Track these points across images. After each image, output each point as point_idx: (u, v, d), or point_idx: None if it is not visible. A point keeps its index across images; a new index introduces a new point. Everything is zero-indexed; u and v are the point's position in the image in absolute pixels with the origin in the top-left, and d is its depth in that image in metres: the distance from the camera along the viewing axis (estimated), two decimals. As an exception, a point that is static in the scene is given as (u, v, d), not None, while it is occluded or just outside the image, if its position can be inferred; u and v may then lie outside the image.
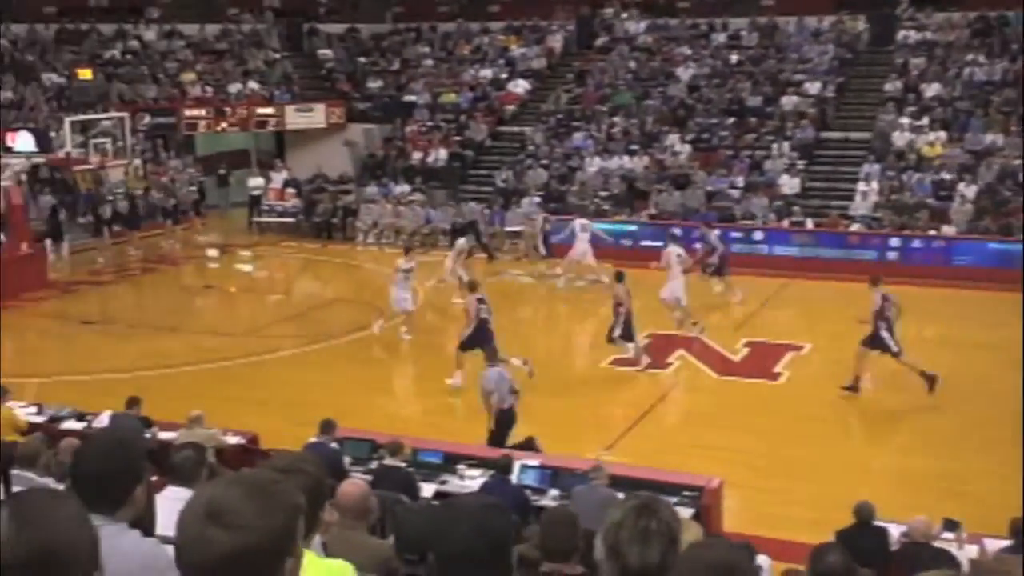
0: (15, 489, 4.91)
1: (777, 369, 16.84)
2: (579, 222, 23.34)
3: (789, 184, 26.44)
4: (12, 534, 1.85)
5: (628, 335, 16.67)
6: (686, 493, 9.97)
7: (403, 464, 10.15)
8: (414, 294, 18.97)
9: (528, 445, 11.93)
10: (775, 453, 13.11)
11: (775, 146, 27.79)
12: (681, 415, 14.81)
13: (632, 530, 2.80)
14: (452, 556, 2.82)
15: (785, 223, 25.08)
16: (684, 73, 31.40)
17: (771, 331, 19.12)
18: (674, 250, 19.40)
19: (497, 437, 12.62)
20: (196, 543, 1.87)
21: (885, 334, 15.35)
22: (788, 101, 29.12)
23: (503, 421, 12.80)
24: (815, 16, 32.02)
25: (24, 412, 12.60)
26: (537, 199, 26.65)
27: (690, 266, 19.71)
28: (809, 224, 24.89)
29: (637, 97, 30.98)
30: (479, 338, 15.62)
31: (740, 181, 26.89)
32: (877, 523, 8.78)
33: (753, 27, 32.59)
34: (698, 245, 21.87)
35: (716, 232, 21.96)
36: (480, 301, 16.02)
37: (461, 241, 22.21)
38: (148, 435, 11.37)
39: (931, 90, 28.00)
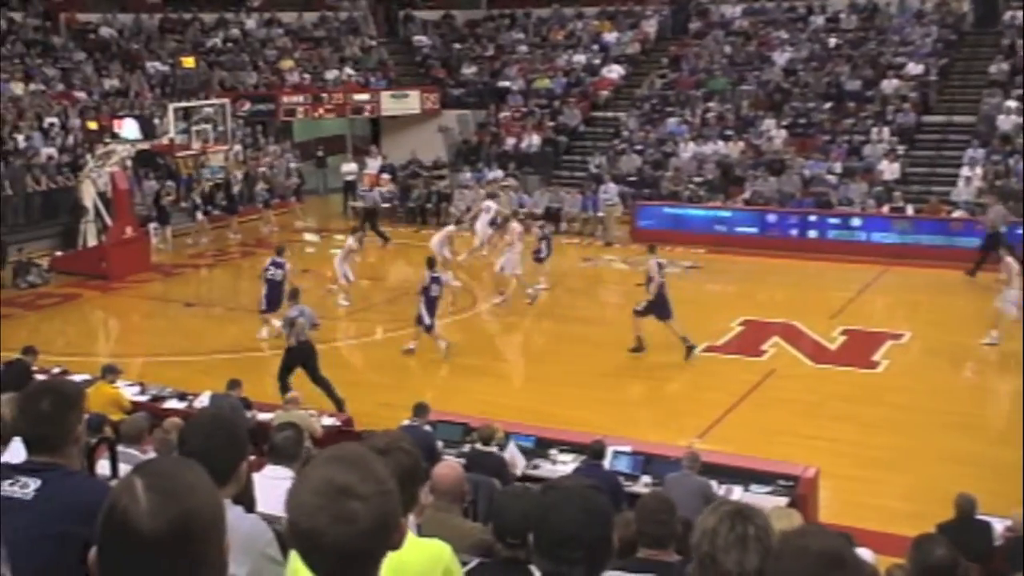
0: (121, 465, 5.07)
1: (875, 357, 16.52)
2: (486, 204, 23.65)
3: (889, 169, 25.88)
4: (153, 505, 1.80)
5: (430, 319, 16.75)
6: (781, 482, 9.90)
7: (495, 449, 10.23)
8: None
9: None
10: (872, 443, 12.89)
11: (874, 131, 27.21)
12: (775, 403, 14.62)
13: (728, 536, 2.77)
14: (560, 538, 2.81)
15: (884, 209, 24.55)
16: (780, 57, 30.93)
17: (869, 319, 18.77)
18: (517, 227, 20.62)
19: (287, 363, 14.24)
20: (339, 520, 1.88)
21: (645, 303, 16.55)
22: (888, 84, 28.48)
23: (297, 352, 14.19)
24: (918, -4, 31.28)
25: (128, 391, 13.01)
26: (614, 185, 26.38)
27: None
28: (909, 210, 24.31)
29: (732, 82, 30.62)
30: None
31: (838, 167, 26.41)
32: (979, 517, 8.59)
33: (853, 9, 31.94)
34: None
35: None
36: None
37: (451, 227, 22.71)
38: (248, 415, 11.63)
39: (1039, 72, 27.15)
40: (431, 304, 16.51)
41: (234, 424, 3.47)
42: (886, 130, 27.09)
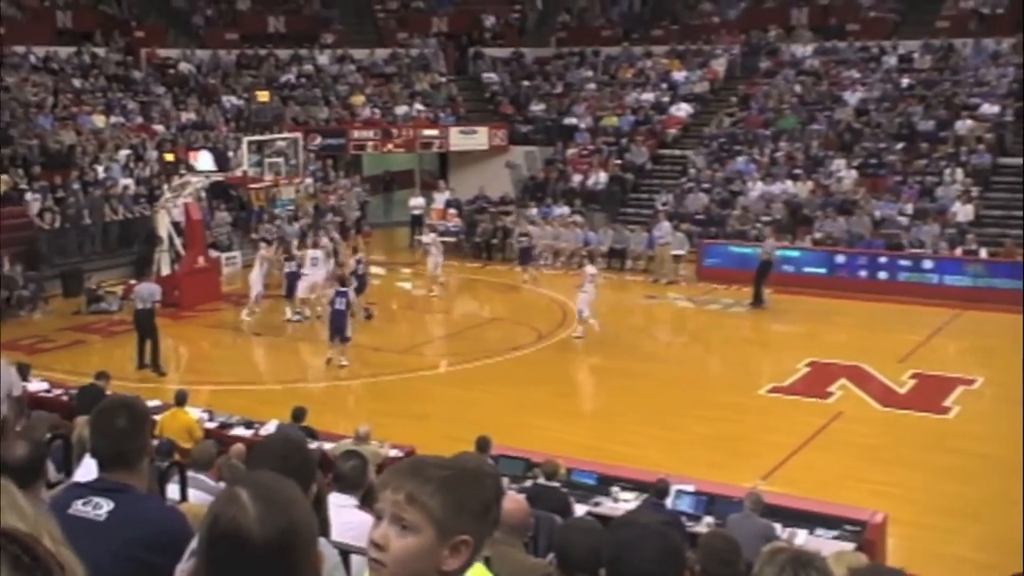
0: (191, 491, 5.14)
1: (946, 403, 16.21)
2: (310, 254, 21.96)
3: (962, 212, 25.45)
4: (262, 514, 1.87)
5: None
6: (848, 527, 9.73)
7: (558, 484, 10.19)
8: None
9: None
10: (942, 490, 12.63)
11: (948, 172, 26.83)
12: (842, 447, 14.39)
13: None
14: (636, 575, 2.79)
15: (957, 252, 24.15)
16: (852, 97, 30.69)
17: (940, 363, 18.44)
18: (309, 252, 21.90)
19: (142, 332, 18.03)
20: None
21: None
22: (963, 125, 28.10)
23: (141, 320, 18.02)
24: (993, 38, 30.86)
25: (196, 416, 13.19)
26: (667, 224, 26.26)
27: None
28: (983, 253, 23.88)
29: (802, 121, 30.43)
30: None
31: (909, 208, 26.05)
32: (1052, 568, 8.37)
33: (926, 49, 31.62)
34: None
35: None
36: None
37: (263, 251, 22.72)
38: (314, 445, 11.72)
39: (1119, 115, 26.60)
40: (336, 317, 17.95)
41: (306, 448, 3.52)
42: (960, 171, 26.69)
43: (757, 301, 22.43)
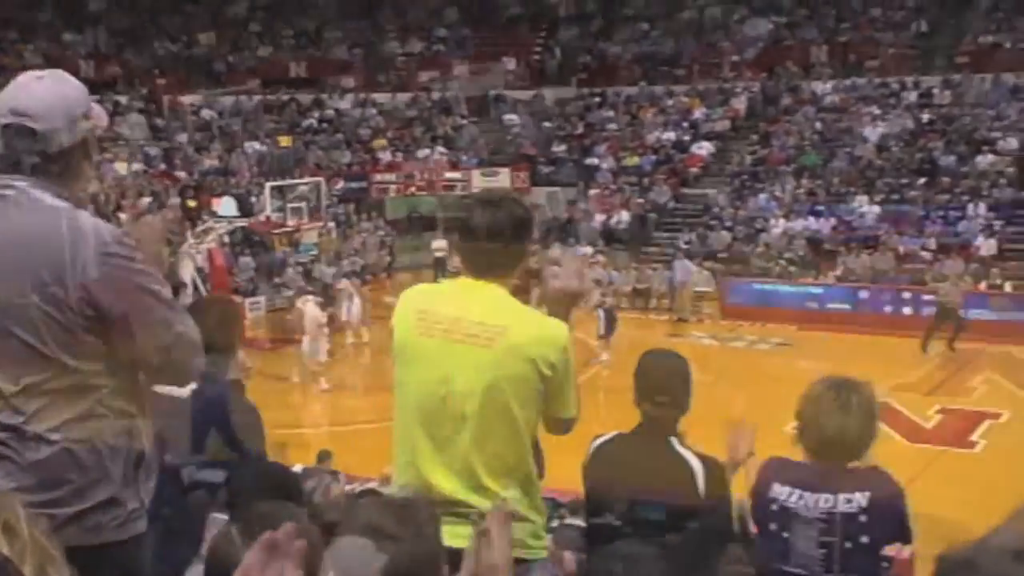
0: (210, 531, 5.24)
1: (973, 437, 16.11)
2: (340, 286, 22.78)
3: (986, 246, 25.38)
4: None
5: None
6: (874, 564, 9.63)
7: (583, 523, 10.15)
8: None
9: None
10: (968, 525, 12.42)
11: (970, 206, 26.78)
12: (869, 483, 14.27)
13: (833, 402, 2.79)
14: None
15: (982, 286, 24.03)
16: (872, 133, 30.71)
17: (966, 398, 18.32)
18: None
19: None
20: None
21: None
22: (984, 160, 28.06)
23: None
24: (1012, 72, 30.86)
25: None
26: (683, 262, 26.25)
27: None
28: (1008, 287, 23.77)
29: (823, 158, 30.46)
30: None
31: (932, 243, 25.99)
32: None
33: (946, 85, 31.65)
34: None
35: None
36: None
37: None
38: (337, 488, 11.73)
39: None
40: None
41: (286, 475, 3.76)
42: (982, 205, 26.64)
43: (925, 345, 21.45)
